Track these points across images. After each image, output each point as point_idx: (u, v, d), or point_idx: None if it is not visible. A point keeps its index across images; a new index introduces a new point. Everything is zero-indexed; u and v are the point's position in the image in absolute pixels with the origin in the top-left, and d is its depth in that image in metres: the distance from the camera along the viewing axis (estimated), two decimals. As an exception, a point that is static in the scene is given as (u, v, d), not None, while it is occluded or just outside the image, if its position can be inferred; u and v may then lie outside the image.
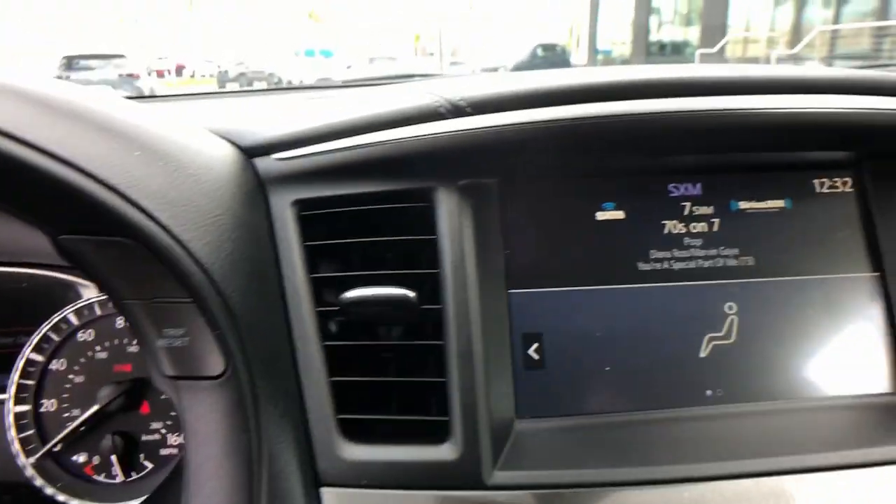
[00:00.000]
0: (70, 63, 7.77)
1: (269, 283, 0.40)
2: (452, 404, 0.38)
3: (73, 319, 0.52)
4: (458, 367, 0.38)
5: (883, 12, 6.59)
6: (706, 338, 0.44)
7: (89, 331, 0.53)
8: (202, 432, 0.37)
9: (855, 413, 0.43)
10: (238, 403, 0.36)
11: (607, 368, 0.42)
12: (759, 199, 0.46)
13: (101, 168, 0.31)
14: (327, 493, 0.37)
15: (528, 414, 0.42)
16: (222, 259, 0.36)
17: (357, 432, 0.38)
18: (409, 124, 0.42)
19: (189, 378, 0.37)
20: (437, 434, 0.38)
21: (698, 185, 0.46)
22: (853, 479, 0.38)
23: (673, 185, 0.46)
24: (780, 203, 0.46)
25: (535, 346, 0.43)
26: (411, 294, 0.39)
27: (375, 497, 0.36)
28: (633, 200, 0.45)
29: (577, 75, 0.44)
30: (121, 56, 8.13)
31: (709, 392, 0.43)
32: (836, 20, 7.35)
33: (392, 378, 0.39)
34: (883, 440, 0.41)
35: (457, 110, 0.41)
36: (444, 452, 0.37)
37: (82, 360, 0.52)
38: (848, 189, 0.47)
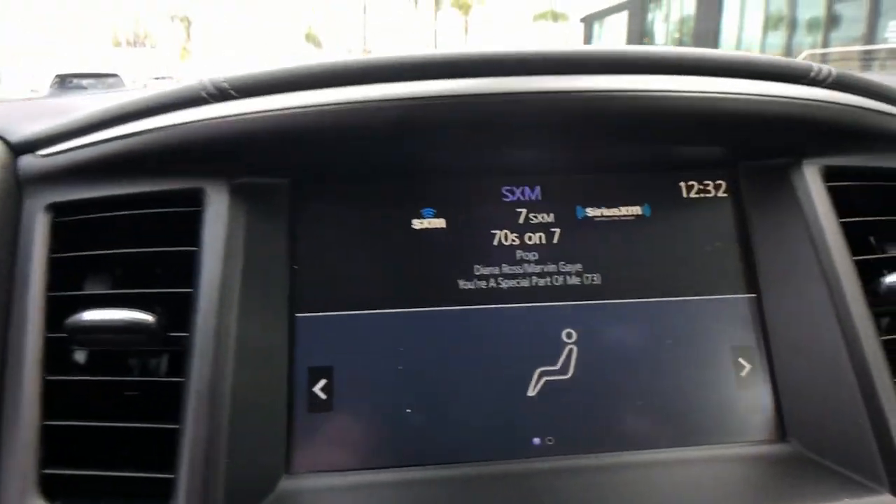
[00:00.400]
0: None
1: None
2: (182, 458, 0.30)
3: None
4: (196, 410, 0.30)
5: (870, 37, 6.62)
6: (537, 372, 0.35)
7: None
8: None
9: (726, 468, 0.35)
10: None
11: (409, 411, 0.34)
12: (610, 206, 0.38)
13: None
14: None
15: (303, 469, 0.33)
16: None
17: (63, 491, 0.30)
18: (168, 111, 0.34)
19: None
20: (160, 496, 0.30)
21: (537, 189, 0.38)
22: None
23: (507, 188, 0.38)
24: (636, 210, 0.38)
25: (324, 382, 0.35)
26: (150, 318, 0.32)
27: None
28: (457, 206, 0.37)
29: (383, 55, 0.36)
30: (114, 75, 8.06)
31: (537, 440, 0.35)
32: (825, 44, 7.38)
33: (115, 424, 0.31)
34: (767, 501, 0.33)
35: (221, 93, 0.34)
36: None
37: None
38: (721, 194, 0.39)
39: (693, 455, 0.35)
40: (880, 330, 0.35)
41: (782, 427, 0.35)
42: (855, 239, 0.36)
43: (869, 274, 0.36)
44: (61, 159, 0.36)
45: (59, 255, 0.35)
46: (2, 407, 0.31)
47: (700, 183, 0.39)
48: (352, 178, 0.37)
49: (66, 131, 0.37)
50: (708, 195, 0.39)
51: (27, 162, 0.37)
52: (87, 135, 0.36)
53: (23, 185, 0.37)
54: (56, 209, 0.36)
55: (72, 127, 0.37)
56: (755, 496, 0.32)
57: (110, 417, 0.32)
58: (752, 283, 0.37)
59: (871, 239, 0.39)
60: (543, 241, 0.37)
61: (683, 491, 0.33)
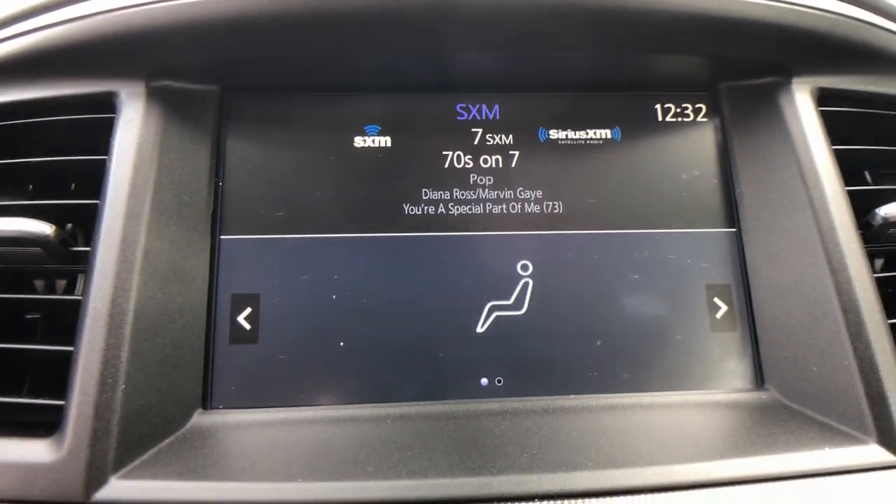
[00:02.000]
0: None
1: None
2: (73, 383, 0.26)
3: None
4: (92, 331, 0.27)
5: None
6: (487, 307, 0.32)
7: None
8: None
9: (693, 415, 0.31)
10: None
11: (342, 345, 0.31)
12: (576, 128, 0.34)
13: None
14: None
15: (221, 404, 0.30)
16: None
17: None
18: (76, 2, 0.31)
19: None
20: (50, 425, 0.26)
21: (495, 107, 0.34)
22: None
23: (461, 105, 0.34)
24: (605, 133, 0.34)
25: (248, 311, 0.31)
26: (48, 230, 0.28)
27: None
28: (405, 123, 0.34)
29: None
30: None
31: (484, 381, 0.31)
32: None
33: (10, 346, 0.28)
34: (740, 451, 0.29)
35: None
36: (41, 451, 0.25)
37: None
38: (700, 118, 0.35)
39: (657, 401, 0.31)
40: (873, 269, 0.31)
41: (760, 374, 0.32)
42: (848, 170, 0.32)
43: (863, 208, 0.32)
44: None
45: None
46: None
47: (677, 105, 0.35)
48: (289, 90, 0.34)
49: None
50: (686, 119, 0.35)
51: None
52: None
53: None
54: None
55: None
56: (722, 447, 0.29)
57: (8, 339, 0.28)
58: (731, 216, 0.34)
59: (866, 172, 0.35)
60: (500, 165, 0.34)
61: (644, 439, 0.29)
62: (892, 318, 0.29)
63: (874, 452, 0.27)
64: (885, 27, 0.34)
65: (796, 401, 0.30)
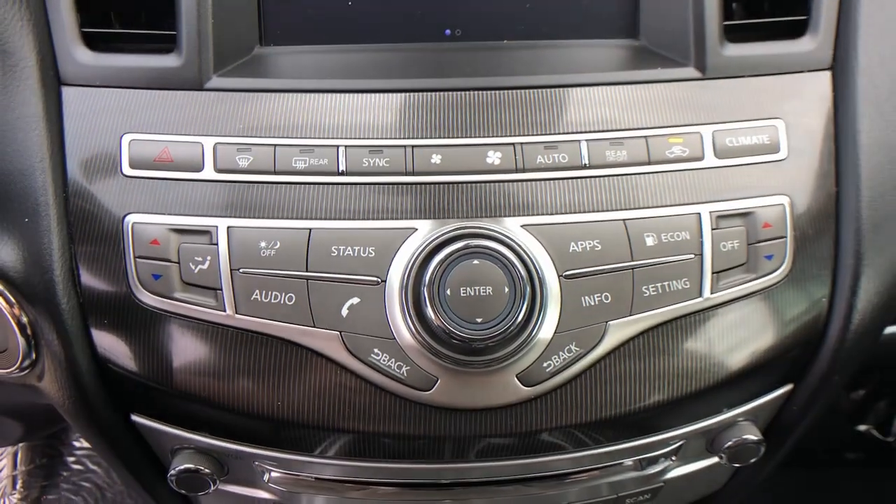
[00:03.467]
0: None
1: None
2: (180, 22, 0.41)
3: None
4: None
5: None
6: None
7: None
8: None
9: (590, 52, 0.47)
10: None
11: (350, 2, 0.45)
12: None
13: None
14: (67, 91, 0.41)
15: (273, 41, 0.45)
16: None
17: (96, 42, 0.42)
18: None
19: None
20: (167, 48, 0.41)
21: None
22: (608, 94, 0.42)
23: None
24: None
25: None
26: None
27: (104, 96, 0.41)
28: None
29: None
30: None
31: (448, 31, 0.46)
32: None
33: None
34: (625, 66, 0.44)
35: None
36: (170, 61, 0.41)
37: None
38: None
39: (563, 43, 0.46)
40: None
41: (636, 25, 0.46)
42: None
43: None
44: None
45: None
46: None
47: None
48: None
49: None
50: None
51: None
52: None
53: None
54: None
55: None
56: (602, 67, 0.44)
57: None
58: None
59: None
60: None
61: (556, 63, 0.45)
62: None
63: (688, 71, 0.42)
64: None
65: (656, 45, 0.45)
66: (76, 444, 1.37)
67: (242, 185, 0.40)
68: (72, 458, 1.33)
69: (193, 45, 0.42)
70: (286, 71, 0.43)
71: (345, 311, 0.37)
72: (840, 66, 0.45)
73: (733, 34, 0.45)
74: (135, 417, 0.43)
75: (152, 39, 0.43)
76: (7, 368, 0.40)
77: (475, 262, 0.37)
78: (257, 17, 0.45)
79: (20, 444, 1.34)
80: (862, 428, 1.60)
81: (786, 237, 0.41)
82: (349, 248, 0.38)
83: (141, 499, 0.49)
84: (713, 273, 0.39)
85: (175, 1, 0.42)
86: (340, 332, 0.37)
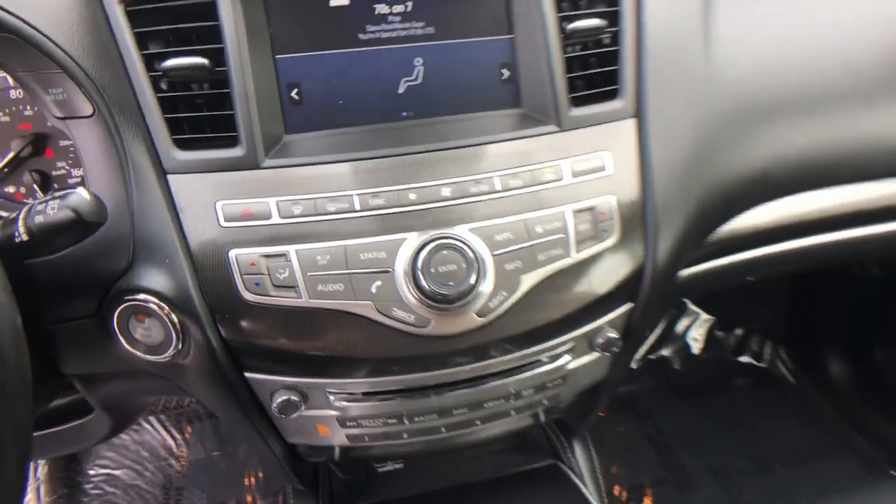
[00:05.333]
0: None
1: (114, 58, 0.63)
2: (238, 126, 0.64)
3: None
4: (240, 105, 0.64)
5: None
6: (401, 81, 0.71)
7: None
8: (89, 151, 0.63)
9: (489, 119, 0.72)
10: (107, 131, 0.62)
11: (340, 102, 0.70)
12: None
13: None
14: (171, 178, 0.64)
15: (293, 131, 0.69)
16: (75, 43, 0.59)
17: (184, 144, 0.65)
18: None
19: (72, 118, 0.61)
20: (231, 144, 0.65)
21: (400, -19, 0.70)
22: (507, 145, 0.67)
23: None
24: (447, -10, 0.72)
25: (296, 90, 0.69)
26: (207, 62, 0.64)
27: (198, 179, 0.64)
28: (357, -8, 0.70)
29: None
30: None
31: (404, 113, 0.72)
32: None
33: (203, 113, 0.65)
34: (516, 127, 0.70)
35: None
36: (236, 152, 0.64)
37: None
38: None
39: (477, 115, 0.72)
40: (565, 52, 0.71)
41: (519, 100, 0.74)
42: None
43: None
44: None
45: (138, 30, 0.64)
46: (142, 109, 0.64)
47: None
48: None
49: None
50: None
51: None
52: None
53: None
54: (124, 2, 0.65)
55: None
56: (504, 129, 0.71)
57: (197, 111, 0.65)
58: (510, 28, 0.73)
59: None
60: (402, 10, 0.70)
61: (477, 129, 0.69)
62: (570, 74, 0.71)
63: (551, 127, 0.70)
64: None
65: (532, 112, 0.73)
66: (91, 472, 1.55)
67: (299, 224, 0.64)
68: (89, 485, 1.52)
69: (250, 141, 0.64)
70: (309, 151, 0.67)
71: (373, 290, 0.63)
72: (640, 115, 0.74)
73: (577, 102, 0.73)
74: (248, 374, 0.67)
75: (218, 141, 0.67)
76: (163, 355, 0.62)
77: (444, 252, 0.62)
78: (282, 118, 0.70)
79: (41, 479, 1.51)
80: (743, 359, 1.99)
81: (614, 220, 0.68)
82: (370, 253, 0.62)
83: (244, 430, 0.72)
84: (576, 243, 0.66)
85: (234, 116, 0.66)
86: (373, 301, 0.63)
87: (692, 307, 1.97)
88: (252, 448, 0.80)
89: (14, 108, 0.77)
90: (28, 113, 0.77)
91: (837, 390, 1.80)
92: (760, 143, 0.76)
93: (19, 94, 0.75)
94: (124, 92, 0.63)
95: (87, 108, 0.60)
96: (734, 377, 1.94)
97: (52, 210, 0.53)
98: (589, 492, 0.90)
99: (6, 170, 0.76)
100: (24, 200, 0.79)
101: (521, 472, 0.90)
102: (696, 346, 1.96)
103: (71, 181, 0.79)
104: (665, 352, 1.94)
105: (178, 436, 1.63)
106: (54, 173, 0.79)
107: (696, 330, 1.96)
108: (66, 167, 0.78)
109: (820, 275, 1.77)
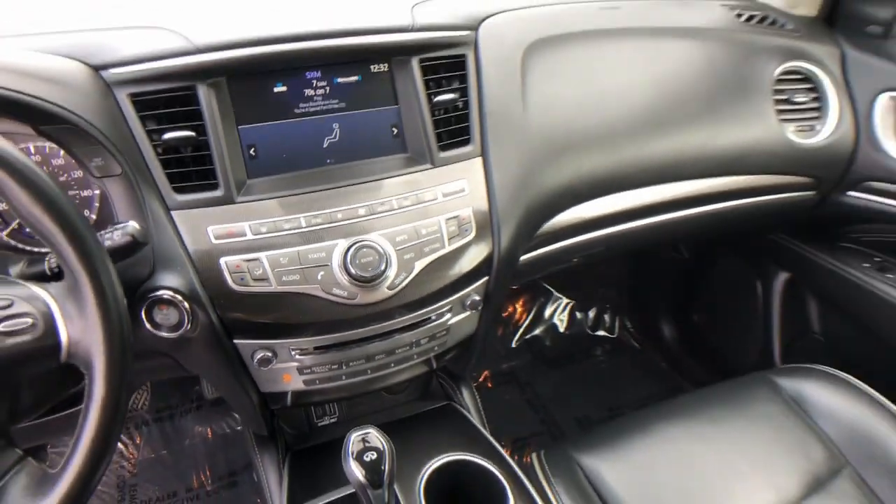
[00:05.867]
0: None
1: (128, 135, 0.92)
2: (217, 176, 0.94)
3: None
4: (217, 161, 0.94)
5: None
6: (325, 139, 1.05)
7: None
8: (120, 198, 0.91)
9: (390, 161, 1.08)
10: (129, 184, 0.91)
11: (284, 155, 1.03)
12: (347, 76, 1.06)
13: (44, 95, 0.82)
14: (174, 213, 0.92)
15: (253, 177, 1.00)
16: (106, 127, 0.88)
17: (180, 190, 0.95)
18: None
19: (107, 177, 0.90)
20: (214, 188, 0.95)
21: (318, 71, 1.04)
22: (400, 178, 1.04)
23: (310, 73, 1.04)
24: (356, 78, 1.06)
25: (253, 149, 1.01)
26: (193, 133, 0.94)
27: (193, 212, 0.93)
28: (291, 81, 1.03)
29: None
30: None
31: (329, 160, 1.05)
32: None
33: (192, 168, 0.95)
34: (404, 167, 1.06)
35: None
36: (217, 193, 0.93)
37: None
38: (384, 71, 1.08)
39: (378, 159, 1.08)
40: (433, 115, 1.08)
41: (406, 148, 1.09)
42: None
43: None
44: (137, 74, 0.94)
45: (143, 113, 0.94)
46: (153, 173, 0.93)
47: (378, 66, 1.07)
48: (251, 74, 1.00)
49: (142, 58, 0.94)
50: (382, 71, 1.07)
51: (108, 74, 0.94)
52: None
53: (111, 85, 0.94)
54: (132, 94, 0.94)
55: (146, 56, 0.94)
56: (397, 168, 1.06)
57: (187, 167, 0.95)
58: (396, 100, 1.08)
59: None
60: (324, 92, 1.04)
61: (379, 168, 1.06)
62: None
63: (427, 166, 1.06)
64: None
65: (414, 156, 1.08)
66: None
67: (266, 238, 0.93)
68: None
69: (226, 185, 0.89)
70: (266, 189, 0.89)
71: (319, 277, 0.92)
72: (484, 155, 1.07)
73: (443, 148, 1.10)
74: (236, 341, 0.97)
75: (205, 186, 0.97)
76: (178, 332, 0.91)
77: (363, 250, 0.89)
78: (245, 168, 0.98)
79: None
80: (599, 332, 2.44)
81: (472, 223, 0.99)
82: (315, 254, 0.87)
83: (230, 386, 1.02)
84: (448, 239, 0.96)
85: (214, 169, 0.96)
86: (319, 285, 0.95)
87: (556, 294, 2.42)
88: (234, 403, 1.09)
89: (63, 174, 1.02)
90: (63, 178, 1.02)
91: (669, 349, 2.30)
92: (564, 168, 1.15)
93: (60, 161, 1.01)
94: (137, 157, 0.90)
95: (118, 169, 0.89)
96: (593, 347, 2.41)
97: (117, 236, 0.82)
98: (475, 421, 1.27)
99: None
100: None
101: (424, 412, 1.25)
102: (561, 326, 2.42)
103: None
104: (537, 332, 2.38)
105: (127, 441, 1.84)
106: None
107: (560, 312, 2.41)
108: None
109: (649, 259, 2.26)
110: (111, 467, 1.73)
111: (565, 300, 2.25)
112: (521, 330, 2.34)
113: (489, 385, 2.19)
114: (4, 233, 0.98)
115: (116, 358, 0.61)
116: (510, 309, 2.35)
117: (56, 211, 0.58)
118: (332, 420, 1.21)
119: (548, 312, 2.25)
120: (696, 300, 2.01)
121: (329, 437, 1.20)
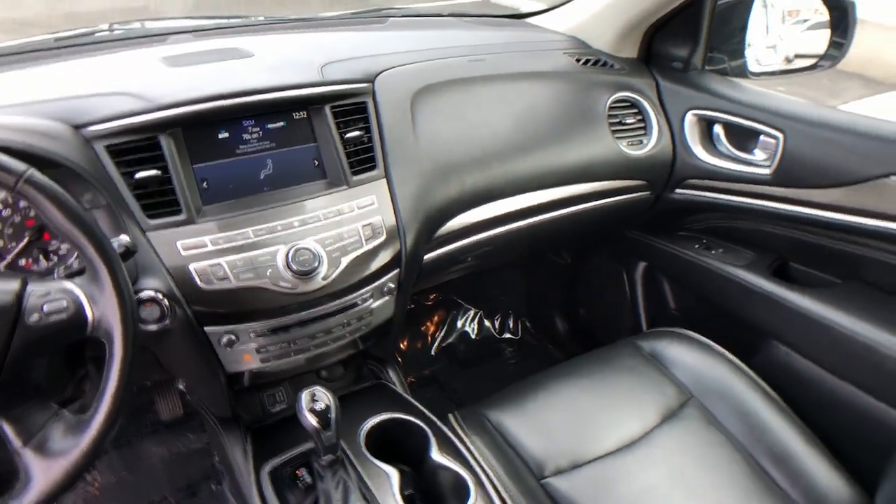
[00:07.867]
0: None
1: (106, 176, 1.17)
2: (180, 204, 1.19)
3: None
4: (179, 192, 1.19)
5: None
6: (261, 172, 1.32)
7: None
8: (107, 225, 1.16)
9: (315, 185, 1.39)
10: (114, 214, 1.16)
11: (230, 186, 1.31)
12: (275, 122, 1.36)
13: (44, 146, 1.08)
14: (149, 233, 1.06)
15: (207, 203, 1.26)
16: (91, 169, 1.14)
17: (152, 216, 1.15)
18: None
19: (94, 208, 1.15)
20: (178, 213, 1.21)
21: (252, 120, 1.34)
22: (320, 199, 1.34)
23: (246, 122, 1.34)
24: (282, 123, 1.37)
25: (205, 182, 1.28)
26: (158, 172, 1.21)
27: (164, 232, 1.18)
28: (232, 128, 1.32)
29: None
30: None
31: (265, 188, 1.34)
32: None
33: (159, 199, 1.21)
34: (326, 189, 1.37)
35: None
36: (181, 217, 1.06)
37: None
38: (304, 117, 1.39)
39: (305, 185, 1.37)
40: (345, 149, 1.39)
41: (326, 175, 1.40)
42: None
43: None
44: (114, 132, 1.20)
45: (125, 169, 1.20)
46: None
47: (298, 113, 1.37)
48: (200, 124, 1.28)
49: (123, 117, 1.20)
50: (302, 117, 1.38)
51: (88, 131, 1.20)
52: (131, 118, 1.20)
53: (90, 140, 1.20)
54: (109, 146, 1.20)
55: (129, 114, 1.20)
56: (321, 191, 1.37)
57: (155, 196, 1.21)
58: (315, 139, 1.39)
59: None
60: (258, 136, 1.34)
61: (299, 191, 1.36)
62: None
63: (343, 187, 1.36)
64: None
65: (333, 180, 1.39)
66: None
67: (224, 248, 1.18)
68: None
69: (187, 210, 1.04)
70: (219, 212, 1.13)
71: (268, 274, 1.10)
72: (388, 177, 1.29)
73: (355, 173, 1.40)
74: (206, 328, 1.20)
75: (170, 211, 1.24)
76: (160, 324, 1.15)
77: (301, 252, 1.09)
78: (200, 197, 1.24)
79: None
80: (505, 335, 2.79)
81: (383, 228, 1.19)
82: (263, 258, 1.03)
83: (203, 369, 1.27)
84: (365, 240, 1.14)
85: (177, 199, 1.23)
86: (269, 279, 1.18)
87: (466, 305, 2.75)
88: (203, 387, 1.33)
89: (24, 212, 1.23)
90: (32, 213, 1.25)
91: (563, 342, 2.67)
92: (451, 184, 1.42)
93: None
94: (116, 192, 1.12)
95: (103, 202, 1.15)
96: (501, 348, 2.75)
97: (116, 246, 1.07)
98: (402, 393, 1.56)
99: (22, 250, 1.24)
100: (31, 268, 1.27)
101: (360, 389, 1.53)
102: (472, 333, 2.75)
103: (61, 252, 1.28)
104: (452, 339, 2.70)
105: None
106: (50, 248, 1.27)
107: (470, 322, 2.75)
108: (57, 244, 1.28)
109: (540, 267, 2.64)
110: (76, 491, 1.88)
111: (474, 310, 2.56)
112: (438, 340, 2.65)
113: (414, 389, 2.47)
114: (9, 256, 1.20)
115: (129, 329, 0.85)
116: (428, 323, 2.66)
117: (82, 224, 0.84)
118: (283, 406, 1.47)
119: (460, 323, 2.55)
120: (580, 296, 2.29)
121: (281, 417, 1.45)
